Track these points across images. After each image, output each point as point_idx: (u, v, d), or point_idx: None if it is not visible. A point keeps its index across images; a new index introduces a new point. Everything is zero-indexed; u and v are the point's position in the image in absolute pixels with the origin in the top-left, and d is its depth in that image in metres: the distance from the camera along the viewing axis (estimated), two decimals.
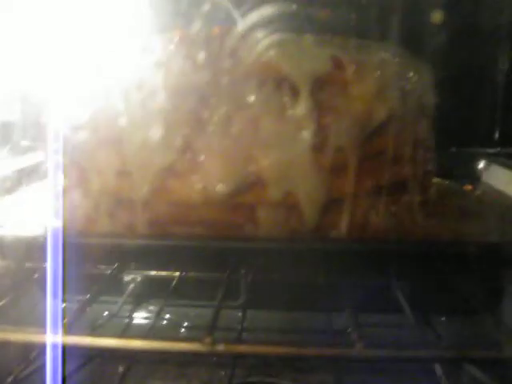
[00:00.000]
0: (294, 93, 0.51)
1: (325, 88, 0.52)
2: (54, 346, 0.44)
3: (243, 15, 0.89)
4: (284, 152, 0.51)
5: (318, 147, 0.52)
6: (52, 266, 0.46)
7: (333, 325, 0.61)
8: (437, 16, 0.85)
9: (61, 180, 0.53)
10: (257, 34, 0.55)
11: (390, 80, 0.54)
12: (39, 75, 0.56)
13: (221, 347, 0.42)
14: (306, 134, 0.51)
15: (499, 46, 0.99)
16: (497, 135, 1.01)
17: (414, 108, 0.58)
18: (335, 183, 0.53)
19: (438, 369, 0.59)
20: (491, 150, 0.98)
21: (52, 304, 0.45)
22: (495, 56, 0.99)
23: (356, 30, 0.98)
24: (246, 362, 0.66)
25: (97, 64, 0.53)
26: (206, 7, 0.87)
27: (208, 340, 0.42)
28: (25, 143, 0.84)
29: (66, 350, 0.44)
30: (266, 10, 0.93)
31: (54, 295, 0.46)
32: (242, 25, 0.85)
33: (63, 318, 0.45)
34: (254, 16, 0.90)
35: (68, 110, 0.51)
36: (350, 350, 0.42)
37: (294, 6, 0.99)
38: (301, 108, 0.51)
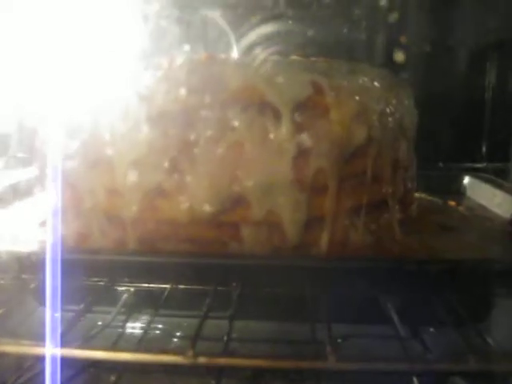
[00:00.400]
0: (277, 117, 0.54)
1: (306, 112, 0.54)
2: (50, 358, 0.46)
3: (243, 35, 0.92)
4: (267, 173, 0.53)
5: (300, 168, 0.54)
6: (49, 280, 0.48)
7: (316, 336, 0.63)
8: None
9: (54, 198, 0.55)
10: (243, 59, 0.57)
11: (369, 104, 0.56)
12: (30, 102, 0.59)
13: (202, 360, 0.44)
14: (288, 156, 0.53)
15: (486, 64, 1.01)
16: (484, 150, 1.03)
17: (394, 130, 0.60)
18: (316, 202, 0.55)
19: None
20: (478, 165, 1.00)
21: (47, 316, 0.47)
22: (483, 73, 1.02)
23: (346, 46, 1.02)
24: (237, 373, 0.68)
25: (83, 95, 0.56)
26: (198, 30, 0.90)
27: (190, 353, 0.44)
28: (21, 155, 0.86)
29: (60, 360, 0.46)
30: (265, 29, 0.97)
31: (50, 308, 0.48)
32: (241, 43, 0.88)
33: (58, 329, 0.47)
34: (254, 35, 0.93)
35: (58, 138, 0.54)
36: (324, 362, 0.44)
37: (291, 24, 1.02)
38: (283, 131, 0.53)
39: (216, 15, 0.95)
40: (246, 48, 0.93)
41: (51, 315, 0.47)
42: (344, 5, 1.04)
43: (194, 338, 0.46)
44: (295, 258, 0.55)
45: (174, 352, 0.45)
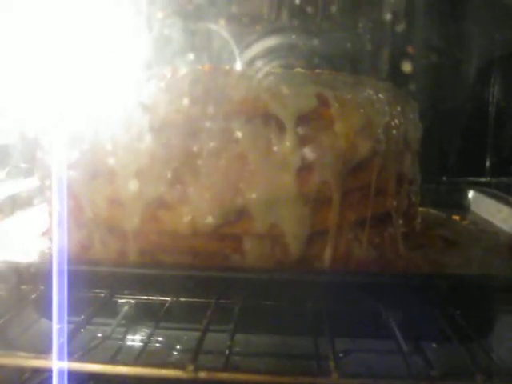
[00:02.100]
0: (281, 129, 0.53)
1: (310, 124, 0.54)
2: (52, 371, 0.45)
3: (246, 47, 0.92)
4: (270, 186, 0.53)
5: (303, 181, 0.53)
6: (50, 292, 0.48)
7: (319, 350, 0.62)
8: (407, 66, 0.88)
9: (56, 208, 0.55)
10: (247, 71, 0.57)
11: (373, 117, 0.56)
12: (31, 113, 0.58)
13: (203, 374, 0.43)
14: (291, 169, 0.53)
15: (491, 77, 1.01)
16: (488, 164, 1.02)
17: (399, 144, 0.60)
18: (319, 216, 0.55)
19: None
20: (482, 180, 1.00)
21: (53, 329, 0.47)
22: (487, 86, 1.02)
23: (350, 60, 1.01)
24: None
25: (85, 105, 0.55)
26: (202, 40, 0.90)
27: (191, 367, 0.43)
28: (23, 166, 0.86)
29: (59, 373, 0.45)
30: (269, 42, 0.97)
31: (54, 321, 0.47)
32: (245, 55, 0.88)
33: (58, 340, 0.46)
34: (257, 47, 0.93)
35: (60, 149, 0.53)
36: (326, 379, 0.43)
37: (294, 37, 1.02)
38: (286, 144, 0.53)
39: (219, 27, 0.95)
40: (250, 60, 0.93)
41: (54, 327, 0.46)
42: (348, 16, 1.04)
43: (195, 352, 0.45)
44: (298, 272, 0.54)
45: (174, 366, 0.44)
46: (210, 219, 0.53)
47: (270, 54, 0.96)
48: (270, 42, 0.99)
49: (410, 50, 0.99)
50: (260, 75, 0.57)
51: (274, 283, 0.52)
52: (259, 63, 0.94)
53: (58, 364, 0.45)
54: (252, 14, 1.03)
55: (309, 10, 1.03)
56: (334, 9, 1.03)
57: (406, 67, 0.96)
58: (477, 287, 0.54)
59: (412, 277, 0.55)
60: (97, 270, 0.54)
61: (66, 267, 0.49)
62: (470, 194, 0.88)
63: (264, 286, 0.52)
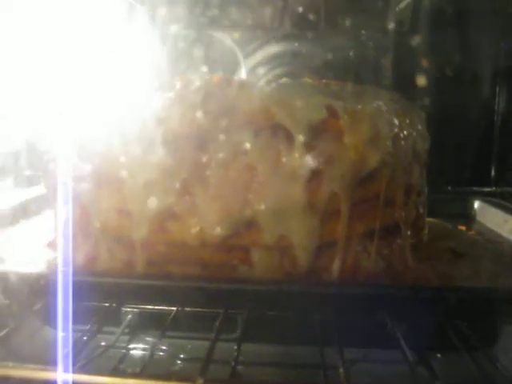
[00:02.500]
0: (290, 140, 0.53)
1: (319, 136, 0.54)
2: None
3: (250, 54, 0.92)
4: (279, 197, 0.53)
5: (312, 192, 0.53)
6: (55, 302, 0.48)
7: (326, 360, 0.61)
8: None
9: (63, 218, 0.55)
10: (255, 81, 0.57)
11: (383, 128, 0.56)
12: (41, 123, 0.58)
13: None
14: (300, 180, 0.53)
15: (495, 88, 1.01)
16: (493, 174, 1.02)
17: (407, 155, 0.59)
18: (328, 227, 0.54)
19: None
20: (487, 189, 1.00)
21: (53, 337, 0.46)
22: (492, 98, 1.01)
23: (354, 69, 1.01)
24: None
25: (95, 115, 0.55)
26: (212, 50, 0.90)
27: (200, 381, 0.43)
28: (29, 173, 0.85)
29: None
30: (272, 49, 0.96)
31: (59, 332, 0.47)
32: (247, 63, 0.88)
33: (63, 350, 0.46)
34: (259, 54, 0.93)
35: (69, 159, 0.53)
36: None
37: (297, 45, 1.02)
38: (295, 155, 0.53)
39: (224, 36, 0.95)
40: (253, 67, 0.93)
41: (59, 339, 0.46)
42: (351, 24, 1.04)
43: (205, 364, 0.45)
44: (307, 284, 0.54)
45: (184, 379, 0.44)
46: (218, 230, 0.53)
47: (273, 61, 0.96)
48: (273, 49, 0.99)
49: (414, 59, 0.99)
50: (269, 86, 0.57)
51: (283, 295, 0.52)
52: (262, 70, 0.94)
53: (65, 376, 0.45)
54: (255, 22, 1.03)
55: (311, 17, 1.03)
56: (337, 17, 1.04)
57: (411, 76, 0.96)
58: (485, 300, 0.53)
59: (420, 289, 0.55)
60: (103, 281, 0.54)
61: (71, 278, 0.49)
62: (476, 204, 0.88)
63: (272, 298, 0.52)
